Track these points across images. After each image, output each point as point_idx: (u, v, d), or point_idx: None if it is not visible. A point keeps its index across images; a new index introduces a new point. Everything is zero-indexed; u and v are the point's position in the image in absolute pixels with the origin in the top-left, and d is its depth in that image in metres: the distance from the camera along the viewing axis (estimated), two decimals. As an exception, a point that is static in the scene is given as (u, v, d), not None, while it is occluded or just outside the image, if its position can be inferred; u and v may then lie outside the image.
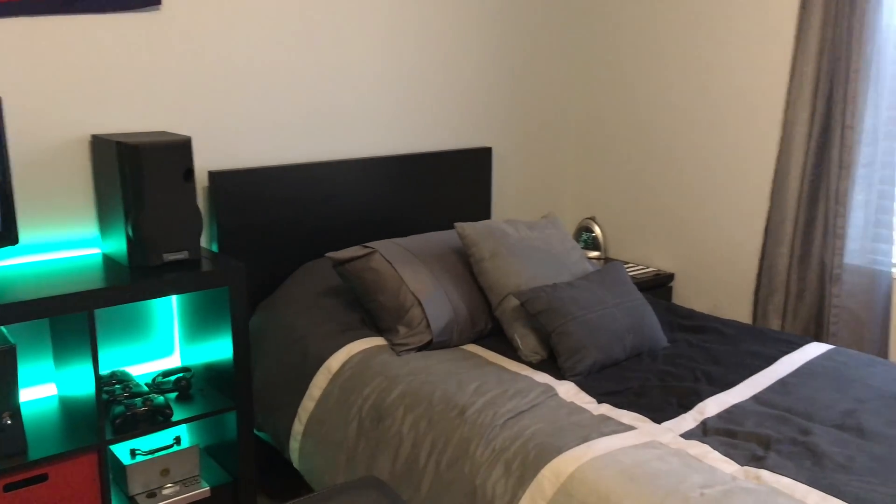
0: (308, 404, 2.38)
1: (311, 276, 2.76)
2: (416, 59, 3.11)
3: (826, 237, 2.79)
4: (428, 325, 2.43)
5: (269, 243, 2.79)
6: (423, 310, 2.44)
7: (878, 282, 2.70)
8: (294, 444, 2.40)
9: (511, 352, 2.44)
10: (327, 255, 2.57)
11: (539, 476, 1.79)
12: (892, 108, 2.64)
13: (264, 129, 2.77)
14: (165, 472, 2.32)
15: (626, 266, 3.44)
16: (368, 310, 2.57)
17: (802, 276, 2.87)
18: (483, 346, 2.50)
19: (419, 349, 2.43)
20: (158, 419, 2.21)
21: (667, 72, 3.34)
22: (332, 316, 2.58)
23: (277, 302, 2.69)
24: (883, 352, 2.75)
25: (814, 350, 2.46)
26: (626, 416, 2.02)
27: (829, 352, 2.45)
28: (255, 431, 2.54)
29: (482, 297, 2.58)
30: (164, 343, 2.64)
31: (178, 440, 2.38)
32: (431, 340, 2.43)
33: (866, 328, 2.74)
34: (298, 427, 2.39)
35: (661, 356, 2.42)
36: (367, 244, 2.61)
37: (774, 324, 2.97)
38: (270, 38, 2.72)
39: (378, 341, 2.47)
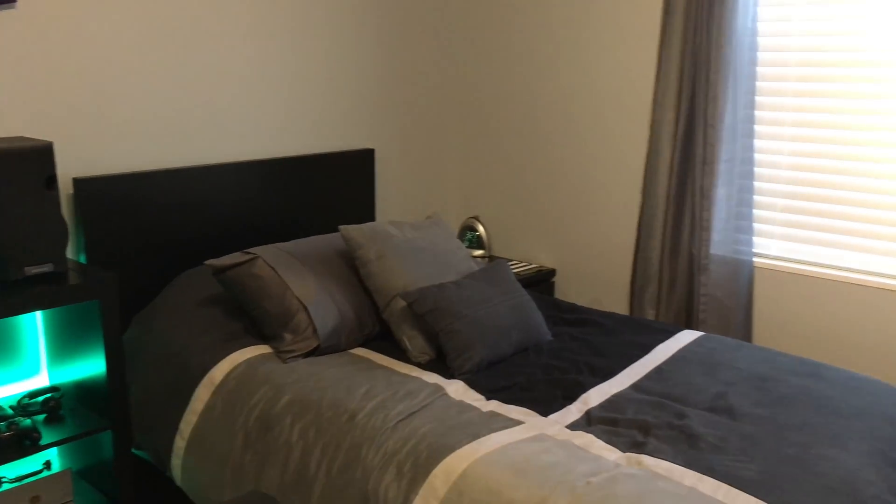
0: (190, 418, 2.28)
1: (190, 285, 2.66)
2: (293, 58, 3.06)
3: (693, 230, 2.94)
4: (315, 331, 2.39)
5: (143, 253, 2.66)
6: (308, 315, 2.40)
7: (741, 270, 2.88)
8: (176, 461, 2.30)
9: (400, 353, 2.44)
10: (206, 262, 2.48)
11: (431, 476, 1.79)
12: (749, 106, 2.81)
13: (133, 132, 2.64)
14: (36, 500, 2.17)
15: (509, 263, 3.51)
16: (252, 317, 2.50)
17: (673, 268, 3.02)
18: (372, 349, 2.49)
19: (306, 355, 2.39)
20: (25, 444, 2.07)
21: (543, 73, 3.43)
22: (213, 326, 2.50)
23: (154, 314, 2.57)
24: (747, 336, 2.93)
25: (686, 337, 2.59)
26: (514, 411, 2.06)
27: (699, 338, 2.59)
28: (133, 451, 2.42)
29: (369, 299, 2.57)
30: (30, 362, 2.47)
31: (48, 465, 2.23)
32: (319, 346, 2.39)
33: (732, 314, 2.92)
34: (180, 443, 2.29)
35: (546, 350, 2.48)
36: (248, 250, 2.54)
37: (650, 314, 3.11)
38: (137, 37, 2.60)
39: (263, 349, 2.40)
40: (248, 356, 2.36)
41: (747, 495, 1.65)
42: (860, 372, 2.70)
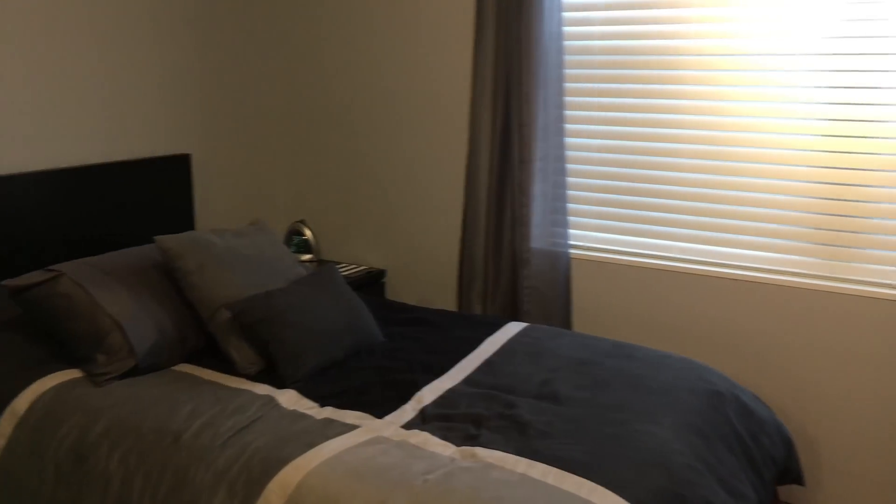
0: (-9, 457, 2.07)
1: (-16, 308, 2.40)
2: (93, 57, 2.84)
3: (514, 226, 3.06)
4: (131, 350, 2.24)
5: (-77, 276, 2.37)
6: (124, 333, 2.24)
7: (559, 262, 3.03)
8: (-23, 505, 2.08)
9: (228, 366, 2.34)
10: (2, 283, 2.25)
11: (266, 491, 1.74)
12: (559, 107, 2.96)
13: None
14: None
15: (338, 266, 3.48)
16: (59, 341, 2.30)
17: (497, 263, 3.13)
18: (197, 364, 2.37)
19: (123, 377, 2.23)
20: None
21: (364, 75, 3.43)
22: (12, 352, 2.27)
23: (-60, 343, 2.30)
24: (567, 323, 3.09)
25: (512, 329, 2.68)
26: (349, 415, 2.04)
27: (524, 329, 2.69)
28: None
29: (192, 312, 2.44)
30: None
31: None
32: (137, 365, 2.25)
33: (553, 304, 3.07)
34: (-20, 485, 2.06)
35: (379, 352, 2.48)
36: (51, 267, 2.33)
37: (477, 309, 3.19)
38: None
39: (74, 374, 2.22)
40: (56, 382, 2.17)
41: (574, 476, 1.74)
42: (667, 350, 2.93)
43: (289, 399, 2.13)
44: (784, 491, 2.75)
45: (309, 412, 2.06)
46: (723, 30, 2.66)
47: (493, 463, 1.80)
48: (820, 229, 2.61)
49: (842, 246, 2.58)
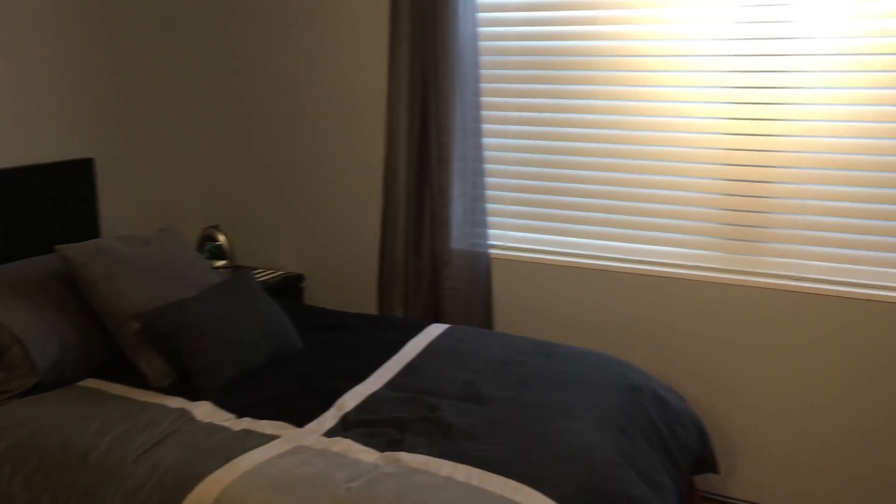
0: None
1: None
2: (-15, 59, 2.68)
3: (434, 227, 3.05)
4: (33, 365, 2.12)
5: None
6: (24, 348, 2.12)
7: (479, 262, 3.04)
8: None
9: (138, 380, 2.24)
10: None
11: (181, 509, 1.67)
12: (476, 107, 2.97)
13: None
14: None
15: (254, 272, 3.40)
16: (-49, 358, 2.15)
17: (418, 265, 3.11)
18: (105, 378, 2.26)
19: (24, 394, 2.11)
20: None
21: (279, 76, 3.35)
22: None
23: None
24: (489, 323, 3.10)
25: (434, 331, 2.67)
26: (268, 426, 1.99)
27: (447, 330, 2.68)
28: None
29: (98, 324, 2.33)
30: None
31: None
32: (40, 382, 2.13)
33: (474, 304, 3.07)
34: None
35: (298, 359, 2.43)
36: (-60, 281, 2.18)
37: (398, 311, 3.17)
38: None
39: (-32, 394, 2.08)
40: (-51, 404, 2.03)
41: (498, 476, 1.74)
42: (586, 346, 2.98)
43: (204, 412, 2.06)
44: (700, 480, 2.83)
45: (225, 424, 1.99)
46: (635, 31, 2.72)
47: (418, 467, 1.78)
48: (726, 225, 2.70)
49: (746, 240, 2.67)
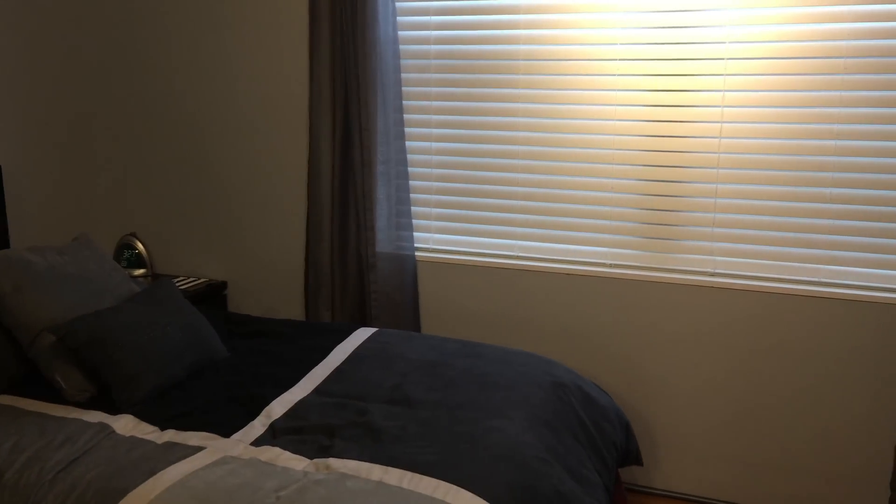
0: None
1: None
2: None
3: (359, 230, 3.04)
4: (-62, 385, 2.01)
5: None
6: (-72, 367, 2.01)
7: (405, 265, 3.05)
8: None
9: (54, 394, 2.16)
10: None
11: (103, 527, 1.61)
12: (398, 111, 2.98)
13: None
14: None
15: (175, 280, 3.31)
16: None
17: (344, 269, 3.10)
18: (17, 394, 2.17)
19: (-71, 415, 2.00)
20: None
21: (198, 78, 3.27)
22: None
23: None
24: (416, 326, 3.11)
25: (361, 335, 2.66)
26: (193, 437, 1.94)
27: (374, 334, 2.68)
28: None
29: (9, 337, 2.23)
30: None
31: None
32: (-55, 401, 2.02)
33: (401, 308, 3.08)
34: None
35: (224, 368, 2.38)
36: None
37: (325, 316, 3.14)
38: None
39: None
40: None
41: (429, 478, 1.75)
42: (513, 346, 3.02)
43: (125, 425, 2.00)
44: (625, 472, 2.91)
45: (148, 437, 1.94)
46: (553, 35, 2.77)
47: (348, 473, 1.77)
48: (644, 224, 2.78)
49: (663, 238, 2.77)
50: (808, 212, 2.57)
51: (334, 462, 1.82)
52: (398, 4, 2.93)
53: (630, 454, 2.50)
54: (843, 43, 2.43)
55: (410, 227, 3.04)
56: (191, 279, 3.39)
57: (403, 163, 3.01)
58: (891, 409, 2.55)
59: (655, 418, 2.86)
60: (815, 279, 2.61)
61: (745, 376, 2.71)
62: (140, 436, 1.94)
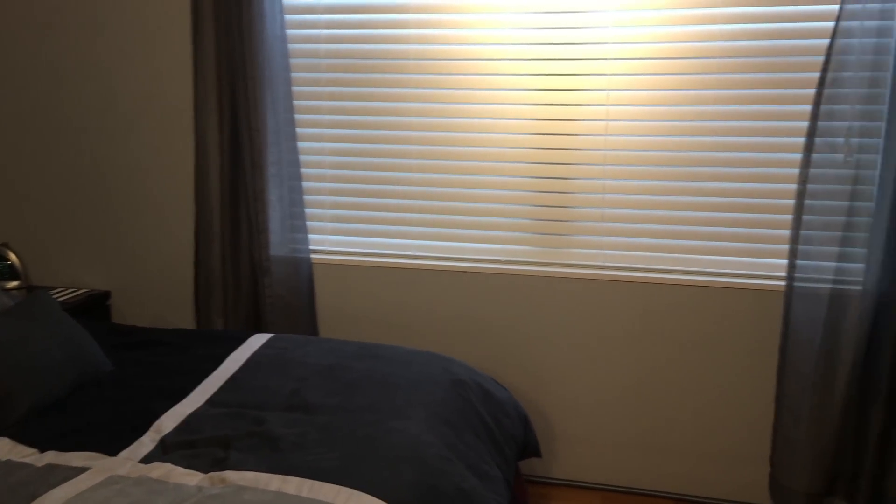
0: None
1: None
2: None
3: (252, 233, 2.96)
4: None
5: None
6: None
7: (301, 268, 2.99)
8: None
9: (-84, 421, 1.99)
10: None
11: (-23, 561, 1.50)
12: (289, 111, 2.91)
13: None
14: None
15: (53, 292, 3.13)
16: None
17: (236, 273, 3.00)
18: None
19: None
20: None
21: (74, 83, 3.09)
22: None
23: None
24: (314, 330, 3.06)
25: (257, 342, 2.59)
26: (76, 457, 1.84)
27: (269, 340, 2.61)
28: None
29: None
30: None
31: None
32: None
33: (298, 312, 3.01)
34: None
35: (108, 382, 2.27)
36: None
37: (218, 323, 3.04)
38: None
39: None
40: None
41: (330, 484, 1.72)
42: (412, 346, 3.02)
43: (0, 449, 1.86)
44: (524, 464, 2.97)
45: (27, 461, 1.82)
46: (443, 34, 2.78)
47: (245, 485, 1.72)
48: (534, 220, 2.84)
49: (553, 234, 2.83)
50: (689, 205, 2.69)
51: (230, 475, 1.76)
52: (285, 3, 2.87)
53: (529, 447, 2.54)
54: (717, 44, 2.56)
55: (305, 230, 2.98)
56: (70, 290, 3.21)
57: (296, 163, 2.94)
58: (768, 389, 2.70)
59: (552, 410, 2.92)
60: (697, 269, 2.73)
61: (635, 364, 2.81)
62: (17, 459, 1.82)
